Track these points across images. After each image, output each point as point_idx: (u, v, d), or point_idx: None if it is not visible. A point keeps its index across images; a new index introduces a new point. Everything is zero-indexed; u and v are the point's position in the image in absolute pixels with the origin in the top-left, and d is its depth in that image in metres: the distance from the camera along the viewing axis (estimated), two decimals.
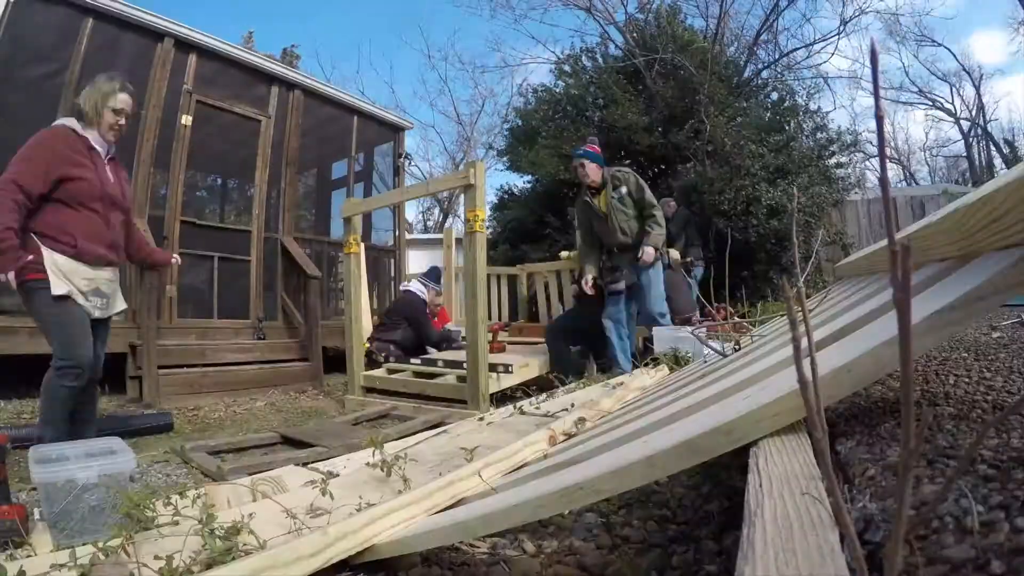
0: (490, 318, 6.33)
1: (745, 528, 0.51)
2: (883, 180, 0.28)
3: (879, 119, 0.29)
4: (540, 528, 1.21)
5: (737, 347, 2.03)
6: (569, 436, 1.64)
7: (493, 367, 3.68)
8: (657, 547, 1.04)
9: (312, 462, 2.05)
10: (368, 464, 1.61)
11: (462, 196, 3.87)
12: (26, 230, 2.17)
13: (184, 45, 5.12)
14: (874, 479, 0.53)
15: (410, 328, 4.92)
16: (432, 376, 4.01)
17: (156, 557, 0.97)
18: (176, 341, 4.61)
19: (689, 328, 3.12)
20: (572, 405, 2.16)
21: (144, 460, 2.47)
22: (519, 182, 11.77)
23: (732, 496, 1.16)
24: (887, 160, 0.31)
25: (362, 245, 4.80)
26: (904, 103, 21.12)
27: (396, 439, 2.18)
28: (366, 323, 4.93)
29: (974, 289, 0.71)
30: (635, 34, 10.56)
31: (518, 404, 2.45)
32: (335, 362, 5.37)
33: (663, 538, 1.07)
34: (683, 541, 1.04)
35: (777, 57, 10.81)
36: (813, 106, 9.85)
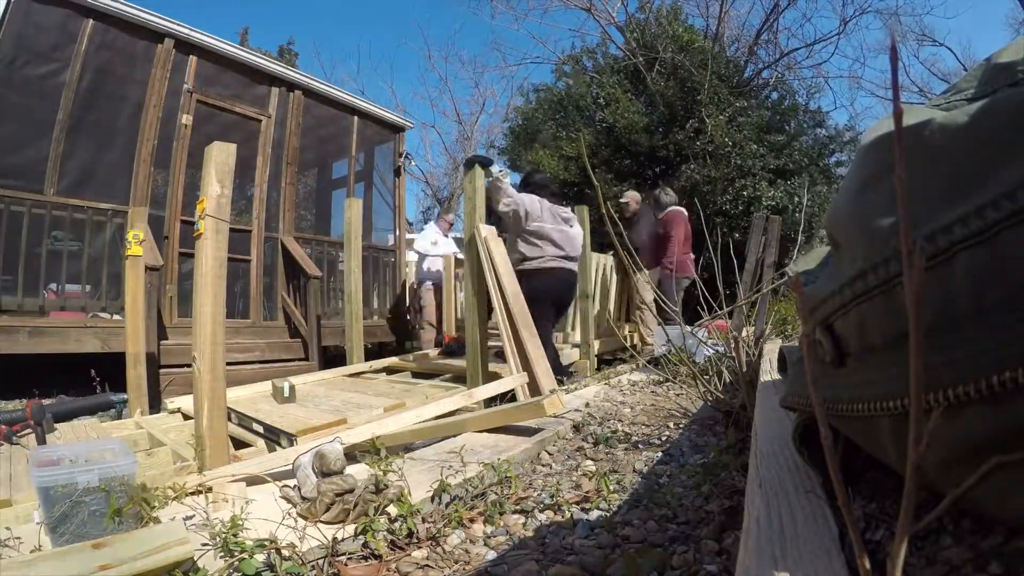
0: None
1: (745, 527, 0.51)
2: (899, 178, 0.28)
3: (897, 116, 0.29)
4: (541, 526, 1.21)
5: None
6: None
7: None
8: (657, 547, 1.04)
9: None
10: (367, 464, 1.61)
11: (462, 196, 3.86)
12: None
13: (184, 45, 5.12)
14: (875, 479, 0.54)
15: None
16: (431, 376, 4.02)
17: None
18: (177, 340, 4.61)
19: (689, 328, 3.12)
20: (587, 405, 2.17)
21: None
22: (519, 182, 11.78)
23: (732, 496, 1.16)
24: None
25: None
26: (905, 103, 21.14)
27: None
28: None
29: None
30: (635, 34, 10.56)
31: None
32: (335, 361, 5.37)
33: (663, 538, 1.07)
34: (683, 541, 1.04)
35: (777, 57, 10.83)
36: (813, 106, 9.87)
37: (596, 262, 5.10)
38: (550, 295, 3.48)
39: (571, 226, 3.65)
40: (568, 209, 3.75)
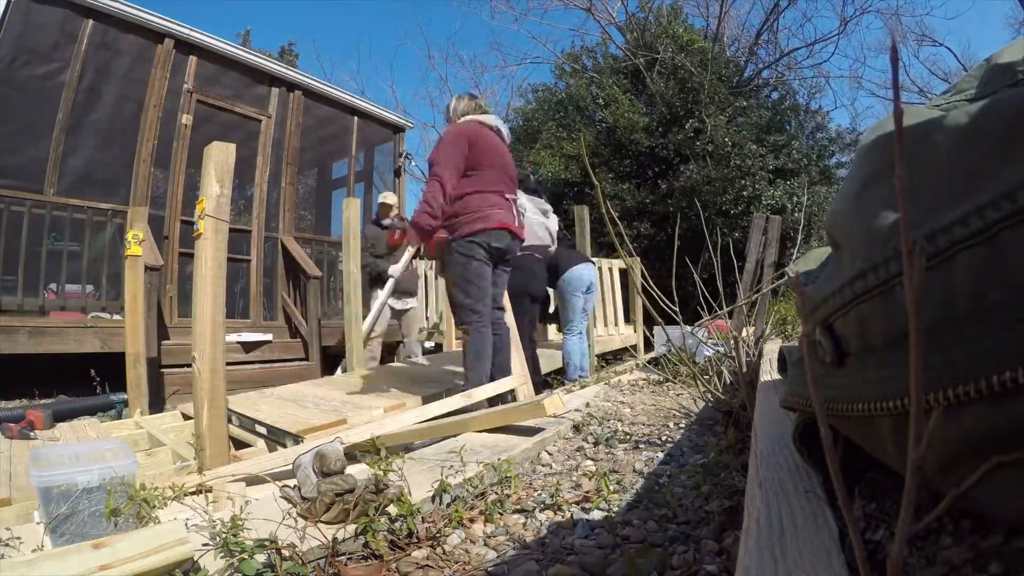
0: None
1: (745, 527, 0.51)
2: (899, 178, 0.28)
3: (897, 116, 0.29)
4: (541, 526, 1.21)
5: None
6: None
7: None
8: (657, 547, 1.04)
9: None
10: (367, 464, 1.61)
11: None
12: None
13: (184, 45, 5.13)
14: (875, 479, 0.54)
15: None
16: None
17: None
18: (177, 340, 4.61)
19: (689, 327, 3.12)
20: (587, 405, 2.17)
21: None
22: None
23: (732, 496, 1.16)
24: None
25: None
26: (905, 103, 21.13)
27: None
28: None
29: None
30: (635, 34, 10.56)
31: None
32: (335, 361, 5.37)
33: (663, 538, 1.07)
34: (683, 541, 1.04)
35: (778, 57, 10.83)
36: (814, 106, 9.87)
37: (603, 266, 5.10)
38: (519, 288, 3.21)
39: (547, 216, 3.53)
40: (543, 200, 3.59)
